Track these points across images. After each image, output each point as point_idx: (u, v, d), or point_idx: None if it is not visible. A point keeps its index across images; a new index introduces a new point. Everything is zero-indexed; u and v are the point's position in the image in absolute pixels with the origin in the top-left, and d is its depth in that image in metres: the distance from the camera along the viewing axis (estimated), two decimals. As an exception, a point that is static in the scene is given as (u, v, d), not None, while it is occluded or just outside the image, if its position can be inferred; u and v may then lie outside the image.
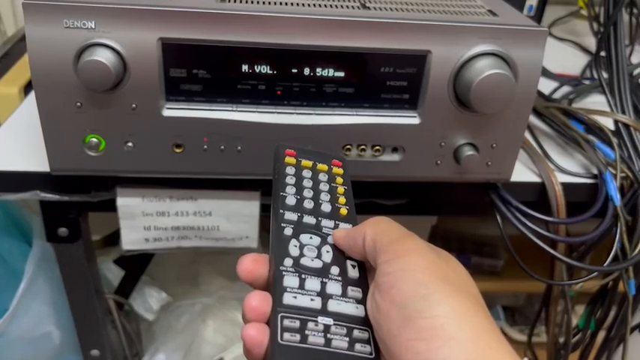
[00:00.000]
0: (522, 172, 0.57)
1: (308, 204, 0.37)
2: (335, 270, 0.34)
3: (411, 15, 0.46)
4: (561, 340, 0.71)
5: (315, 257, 0.34)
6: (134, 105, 0.44)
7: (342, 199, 0.39)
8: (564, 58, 0.87)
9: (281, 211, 0.36)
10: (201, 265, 0.91)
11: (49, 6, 0.40)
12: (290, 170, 0.40)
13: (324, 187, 0.39)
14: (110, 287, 0.80)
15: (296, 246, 0.34)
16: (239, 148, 0.47)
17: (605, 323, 0.68)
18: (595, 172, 0.56)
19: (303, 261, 0.33)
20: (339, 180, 0.41)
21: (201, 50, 0.43)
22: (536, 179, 0.56)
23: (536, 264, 0.58)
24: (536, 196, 0.56)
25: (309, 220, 0.36)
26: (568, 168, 0.57)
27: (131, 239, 0.55)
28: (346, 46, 0.44)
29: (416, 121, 0.47)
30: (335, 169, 0.42)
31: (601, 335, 0.70)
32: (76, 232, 0.57)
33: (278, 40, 0.43)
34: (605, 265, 0.55)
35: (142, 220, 0.54)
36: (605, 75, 0.66)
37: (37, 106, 0.43)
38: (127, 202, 0.53)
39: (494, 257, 1.10)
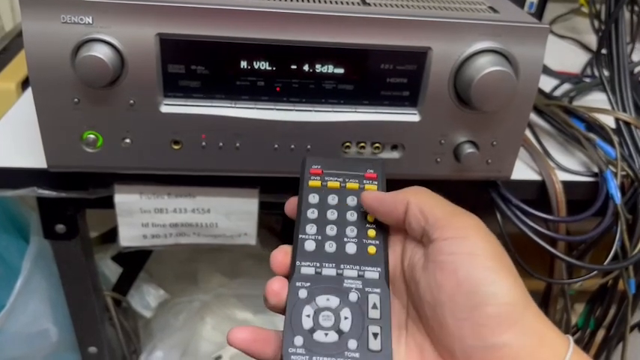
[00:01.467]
0: (522, 170, 0.56)
1: (329, 247, 0.35)
2: (352, 344, 0.31)
3: (411, 11, 0.46)
4: (560, 338, 0.71)
5: (331, 327, 0.31)
6: (132, 101, 0.43)
7: (371, 232, 0.36)
8: (564, 55, 0.86)
9: (298, 262, 0.34)
10: (200, 263, 0.91)
11: (47, 1, 0.40)
12: (313, 199, 0.38)
13: (351, 216, 0.37)
14: (108, 284, 0.80)
15: (309, 316, 0.32)
16: (237, 144, 0.46)
17: (605, 322, 0.67)
18: (595, 170, 0.56)
19: (317, 336, 0.31)
20: None
21: (199, 46, 0.43)
22: (536, 177, 0.56)
23: (535, 262, 0.57)
24: (537, 194, 0.56)
25: (329, 271, 0.34)
26: (568, 166, 0.57)
27: (129, 236, 0.55)
28: (346, 43, 0.44)
29: (416, 118, 0.47)
30: (368, 186, 0.39)
31: (600, 334, 0.70)
32: (74, 228, 0.56)
33: (277, 36, 0.43)
34: (605, 263, 0.55)
35: (140, 216, 0.53)
36: (606, 73, 0.65)
37: (34, 103, 0.43)
38: (124, 199, 0.52)
39: (493, 255, 1.09)
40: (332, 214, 0.37)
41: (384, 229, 0.37)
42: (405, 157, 0.49)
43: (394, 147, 0.49)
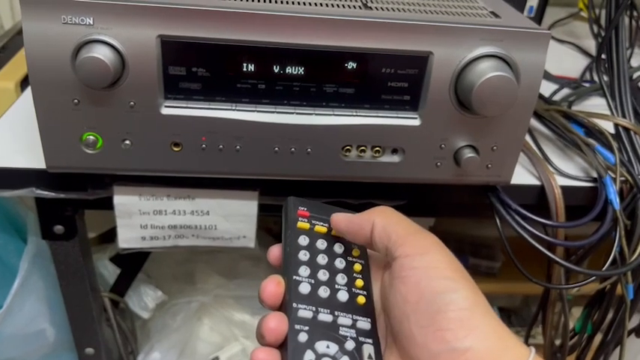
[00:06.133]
0: (522, 175, 0.56)
1: (323, 292, 0.36)
2: None
3: (412, 16, 0.46)
4: (557, 342, 0.71)
5: None
6: (132, 103, 0.43)
7: (359, 282, 0.37)
8: (563, 60, 0.87)
9: (294, 304, 0.34)
10: (197, 264, 0.91)
11: (47, 1, 0.39)
12: (304, 241, 0.38)
13: (340, 264, 0.38)
14: (106, 285, 0.79)
15: None
16: (238, 147, 0.46)
17: (602, 326, 0.67)
18: (595, 175, 0.56)
19: None
20: (356, 252, 0.40)
21: (200, 48, 0.43)
22: (535, 182, 0.56)
23: (533, 266, 0.57)
24: (536, 199, 0.56)
25: (325, 317, 0.34)
26: (568, 171, 0.57)
27: (127, 237, 0.55)
28: (347, 46, 0.44)
29: (416, 122, 0.47)
30: None
31: (597, 338, 0.70)
32: (72, 229, 0.56)
33: (278, 39, 0.43)
34: (603, 269, 0.55)
35: (139, 218, 0.53)
36: (605, 78, 0.65)
37: (33, 103, 0.43)
38: (123, 201, 0.52)
39: (491, 259, 1.10)
40: (323, 259, 0.38)
41: (369, 279, 0.38)
42: (405, 161, 0.49)
43: (394, 151, 0.48)
